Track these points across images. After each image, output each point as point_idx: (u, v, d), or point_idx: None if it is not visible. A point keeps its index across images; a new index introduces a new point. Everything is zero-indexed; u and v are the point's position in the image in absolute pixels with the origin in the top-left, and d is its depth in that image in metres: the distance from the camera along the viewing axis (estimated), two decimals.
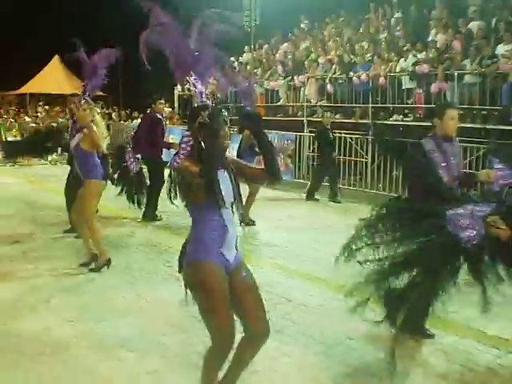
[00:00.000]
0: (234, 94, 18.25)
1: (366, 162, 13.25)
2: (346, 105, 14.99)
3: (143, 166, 9.43)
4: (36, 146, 8.68)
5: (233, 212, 3.40)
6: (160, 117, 9.71)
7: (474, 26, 13.55)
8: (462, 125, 12.32)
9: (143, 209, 9.47)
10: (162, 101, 10.05)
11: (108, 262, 6.72)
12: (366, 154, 13.18)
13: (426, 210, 3.92)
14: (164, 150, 9.81)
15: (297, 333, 4.96)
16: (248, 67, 18.62)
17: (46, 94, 27.56)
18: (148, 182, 9.45)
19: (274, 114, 16.93)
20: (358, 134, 12.99)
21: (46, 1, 29.37)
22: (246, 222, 9.27)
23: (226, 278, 3.33)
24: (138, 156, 9.17)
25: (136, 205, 9.32)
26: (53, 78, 26.83)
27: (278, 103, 17.03)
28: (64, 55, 24.77)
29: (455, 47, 13.11)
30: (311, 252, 7.60)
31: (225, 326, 3.30)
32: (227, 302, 3.30)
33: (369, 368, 4.43)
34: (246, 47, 19.22)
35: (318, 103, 15.86)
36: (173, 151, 8.82)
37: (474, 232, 3.68)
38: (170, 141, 11.44)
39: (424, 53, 13.56)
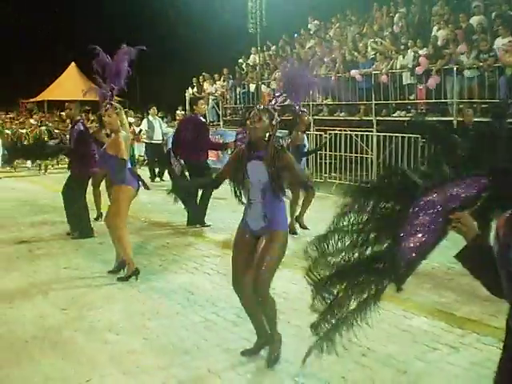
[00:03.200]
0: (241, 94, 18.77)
1: (372, 158, 13.48)
2: (350, 103, 15.20)
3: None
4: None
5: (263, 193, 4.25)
6: (203, 119, 9.53)
7: (474, 20, 13.71)
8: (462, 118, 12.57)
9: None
10: (202, 101, 9.95)
11: (136, 272, 6.43)
12: (371, 151, 13.41)
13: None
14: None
15: None
16: (257, 68, 18.89)
17: (64, 101, 28.10)
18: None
19: (281, 113, 17.11)
20: (363, 131, 13.14)
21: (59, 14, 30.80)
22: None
23: (245, 238, 4.37)
24: (181, 161, 8.86)
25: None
26: (70, 84, 27.38)
27: (285, 103, 17.21)
28: (80, 61, 25.47)
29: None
30: None
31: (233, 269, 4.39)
32: (239, 254, 4.37)
33: None
34: (253, 49, 19.55)
35: (324, 102, 16.13)
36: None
37: (423, 238, 2.43)
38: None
39: (425, 49, 13.73)
